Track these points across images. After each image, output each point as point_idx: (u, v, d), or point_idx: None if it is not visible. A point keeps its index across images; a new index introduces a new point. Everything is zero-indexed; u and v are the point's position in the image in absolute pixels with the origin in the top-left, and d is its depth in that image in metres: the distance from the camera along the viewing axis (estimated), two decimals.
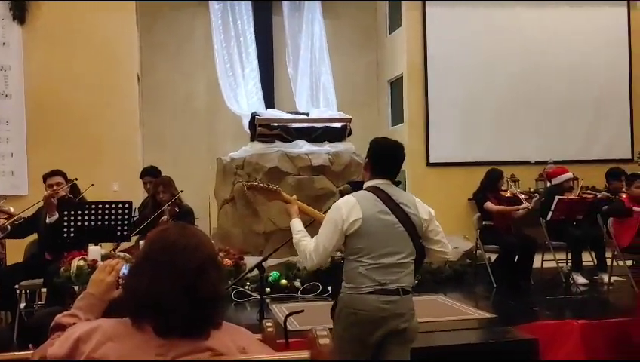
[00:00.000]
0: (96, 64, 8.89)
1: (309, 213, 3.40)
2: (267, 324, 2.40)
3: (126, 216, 5.23)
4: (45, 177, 5.53)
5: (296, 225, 3.18)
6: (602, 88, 10.32)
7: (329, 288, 6.12)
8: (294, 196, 3.44)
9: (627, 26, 10.50)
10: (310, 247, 3.01)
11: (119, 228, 5.22)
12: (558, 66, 10.13)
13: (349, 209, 2.94)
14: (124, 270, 1.87)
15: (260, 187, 3.51)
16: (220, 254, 5.57)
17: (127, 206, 5.25)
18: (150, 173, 6.82)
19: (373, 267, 2.92)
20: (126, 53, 9.19)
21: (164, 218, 5.30)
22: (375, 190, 3.02)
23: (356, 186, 3.41)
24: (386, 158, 3.11)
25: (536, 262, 7.01)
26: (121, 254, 2.72)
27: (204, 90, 10.58)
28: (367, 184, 3.10)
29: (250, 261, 5.78)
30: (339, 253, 3.12)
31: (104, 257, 4.79)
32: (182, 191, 5.91)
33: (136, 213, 6.40)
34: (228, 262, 5.16)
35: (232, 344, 1.61)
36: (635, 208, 6.30)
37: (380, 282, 2.91)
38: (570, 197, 6.82)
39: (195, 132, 10.62)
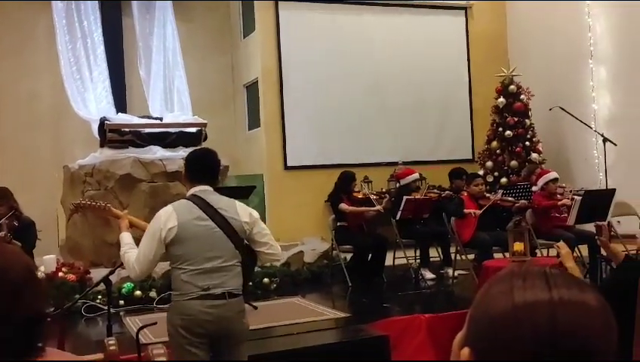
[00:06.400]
0: None
1: (142, 227, 3.42)
2: (110, 342, 2.31)
3: None
4: None
5: (125, 238, 3.21)
6: (445, 93, 10.95)
7: None
8: (125, 211, 3.49)
9: (465, 33, 11.23)
10: (133, 258, 3.06)
11: None
12: (405, 71, 10.59)
13: (166, 217, 3.03)
14: None
15: (88, 205, 3.46)
16: (63, 269, 5.27)
17: None
18: None
19: (195, 273, 3.01)
20: None
21: (2, 233, 4.92)
22: (193, 198, 3.14)
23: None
24: (197, 167, 3.26)
25: (389, 260, 7.32)
26: None
27: (49, 92, 9.90)
28: (188, 193, 3.21)
29: (101, 273, 5.51)
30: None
31: None
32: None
33: None
34: (72, 277, 4.89)
35: None
36: (468, 210, 6.71)
37: (202, 287, 3.00)
38: (416, 196, 7.19)
39: (40, 137, 9.95)
